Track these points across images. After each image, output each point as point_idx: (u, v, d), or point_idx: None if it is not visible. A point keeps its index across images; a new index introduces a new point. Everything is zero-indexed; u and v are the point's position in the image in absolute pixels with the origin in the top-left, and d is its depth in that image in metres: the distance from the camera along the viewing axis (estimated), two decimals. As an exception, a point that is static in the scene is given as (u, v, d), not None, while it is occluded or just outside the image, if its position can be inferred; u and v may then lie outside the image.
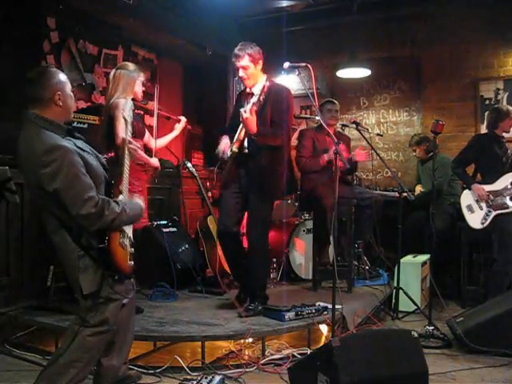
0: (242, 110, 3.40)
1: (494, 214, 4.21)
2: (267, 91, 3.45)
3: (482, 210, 4.27)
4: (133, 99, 3.64)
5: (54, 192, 2.16)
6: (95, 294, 2.31)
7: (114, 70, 3.60)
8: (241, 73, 3.58)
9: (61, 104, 2.30)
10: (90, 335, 2.34)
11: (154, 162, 3.67)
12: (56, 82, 2.30)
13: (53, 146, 2.18)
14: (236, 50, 3.56)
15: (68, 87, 2.36)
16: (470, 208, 4.33)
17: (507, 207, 4.17)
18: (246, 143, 3.57)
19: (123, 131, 3.31)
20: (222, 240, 3.78)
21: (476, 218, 4.29)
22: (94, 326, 2.35)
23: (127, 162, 2.54)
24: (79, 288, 2.30)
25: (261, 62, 3.60)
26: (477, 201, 4.30)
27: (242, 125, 3.50)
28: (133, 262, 2.45)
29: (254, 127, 3.38)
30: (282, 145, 3.55)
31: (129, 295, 2.60)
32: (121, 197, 2.42)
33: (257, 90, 3.56)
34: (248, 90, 3.67)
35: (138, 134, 3.54)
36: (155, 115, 3.34)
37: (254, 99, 3.48)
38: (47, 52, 4.60)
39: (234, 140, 3.60)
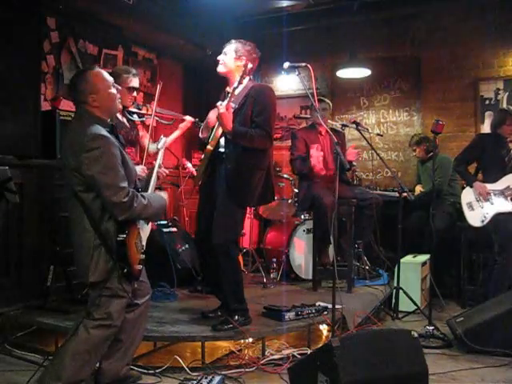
0: (218, 103, 3.21)
1: (494, 212, 4.21)
2: (248, 90, 3.28)
3: (482, 208, 4.27)
4: (124, 107, 3.58)
5: (90, 177, 2.33)
6: (101, 283, 2.40)
7: None
8: (221, 56, 3.38)
9: (97, 105, 2.47)
10: (92, 327, 2.41)
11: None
12: (86, 86, 2.46)
13: (98, 134, 2.37)
14: (234, 39, 3.43)
15: (104, 87, 2.49)
16: (470, 206, 4.34)
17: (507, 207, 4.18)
18: (222, 142, 3.30)
19: None
20: (202, 249, 3.51)
21: (476, 216, 4.29)
22: (97, 320, 2.42)
23: (153, 183, 2.73)
24: (87, 276, 2.39)
25: (244, 60, 3.31)
26: (477, 199, 4.30)
27: (217, 123, 3.27)
28: (141, 267, 2.53)
29: (229, 124, 3.15)
30: (262, 148, 3.27)
31: (144, 298, 2.72)
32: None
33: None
34: (228, 88, 3.38)
35: (127, 143, 3.48)
36: (153, 113, 3.32)
37: (233, 92, 3.21)
38: (47, 52, 4.60)
39: (210, 139, 3.34)
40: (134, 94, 3.62)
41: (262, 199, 3.41)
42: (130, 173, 2.50)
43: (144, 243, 2.59)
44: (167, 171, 2.90)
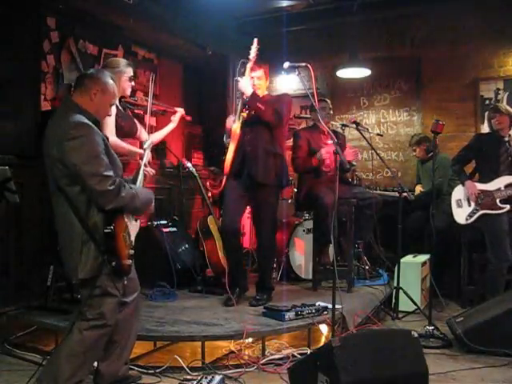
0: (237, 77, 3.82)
1: (480, 212, 4.23)
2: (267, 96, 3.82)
3: (469, 206, 4.29)
4: (122, 97, 3.62)
5: (73, 165, 2.29)
6: (92, 280, 2.35)
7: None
8: (256, 81, 3.84)
9: (95, 101, 2.47)
10: (86, 329, 2.37)
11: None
12: (100, 81, 2.50)
13: (82, 123, 2.35)
14: (253, 58, 3.74)
15: (109, 96, 2.53)
16: (458, 202, 4.37)
17: (494, 208, 4.19)
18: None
19: (112, 134, 3.35)
20: (227, 235, 3.89)
21: (462, 214, 4.32)
22: (90, 320, 2.38)
23: (140, 182, 2.73)
24: (77, 272, 2.34)
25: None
26: (466, 197, 4.32)
27: (239, 109, 3.78)
28: (131, 261, 2.48)
29: (249, 89, 3.66)
30: (272, 120, 3.72)
31: (133, 295, 2.67)
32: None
33: None
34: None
35: (126, 134, 3.52)
36: (149, 108, 3.33)
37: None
38: (47, 52, 4.60)
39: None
40: (132, 83, 3.66)
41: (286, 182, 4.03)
42: (115, 164, 2.45)
43: (133, 239, 2.53)
44: (154, 171, 2.90)
